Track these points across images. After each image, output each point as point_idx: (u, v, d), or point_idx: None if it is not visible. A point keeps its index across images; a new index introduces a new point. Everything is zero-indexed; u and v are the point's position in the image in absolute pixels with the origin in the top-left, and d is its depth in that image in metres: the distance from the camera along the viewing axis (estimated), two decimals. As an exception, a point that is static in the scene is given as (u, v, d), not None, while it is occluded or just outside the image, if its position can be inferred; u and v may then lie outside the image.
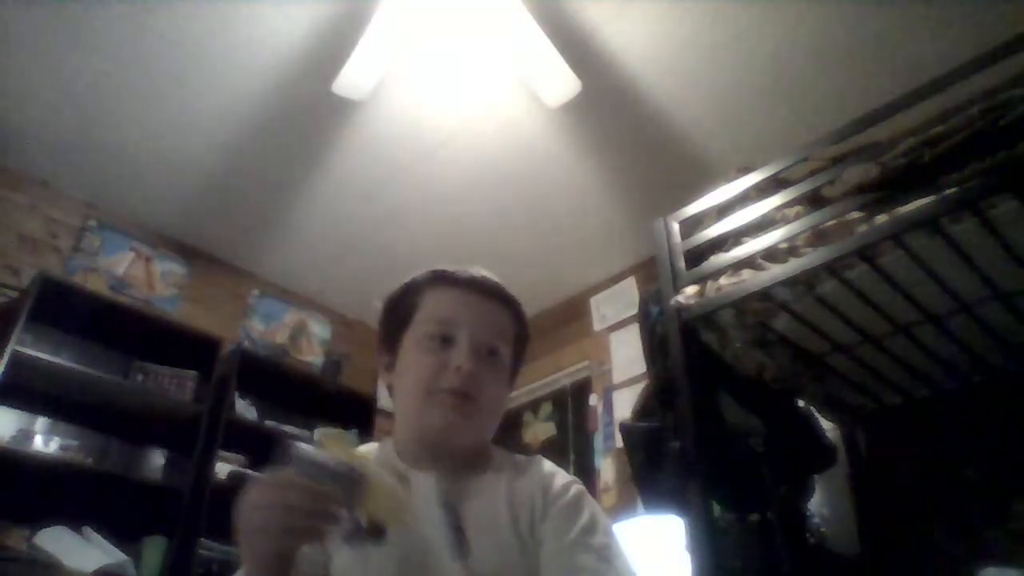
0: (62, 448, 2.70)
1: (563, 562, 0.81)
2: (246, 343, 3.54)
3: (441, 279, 0.93)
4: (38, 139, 2.97)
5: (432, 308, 0.91)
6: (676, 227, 1.66)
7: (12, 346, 2.52)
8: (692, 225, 1.67)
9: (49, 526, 2.50)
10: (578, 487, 0.90)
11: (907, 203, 1.24)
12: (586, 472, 3.25)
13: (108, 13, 2.40)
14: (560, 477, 0.91)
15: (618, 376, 3.34)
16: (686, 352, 1.50)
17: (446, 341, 0.87)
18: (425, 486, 0.85)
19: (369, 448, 0.96)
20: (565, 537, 0.82)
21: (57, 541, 2.46)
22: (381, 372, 0.97)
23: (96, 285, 3.14)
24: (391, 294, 0.97)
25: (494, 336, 0.90)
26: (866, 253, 1.28)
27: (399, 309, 0.94)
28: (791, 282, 1.37)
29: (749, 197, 1.55)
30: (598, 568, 0.80)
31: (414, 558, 0.78)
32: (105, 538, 2.60)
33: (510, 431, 3.70)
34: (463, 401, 0.85)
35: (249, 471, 2.99)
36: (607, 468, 3.19)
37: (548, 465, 0.94)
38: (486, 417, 0.90)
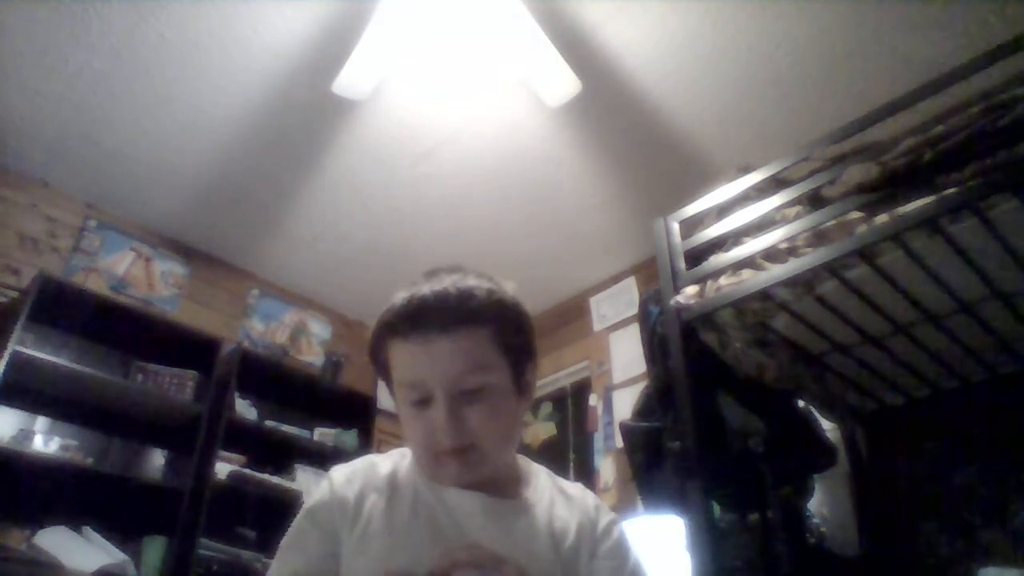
0: (62, 448, 2.69)
1: None
2: (246, 343, 3.54)
3: (393, 333, 0.84)
4: (38, 139, 2.97)
5: (400, 369, 0.85)
6: (676, 227, 1.67)
7: (12, 346, 2.51)
8: (692, 225, 1.67)
9: (49, 526, 2.50)
10: (621, 524, 0.92)
11: (907, 203, 1.24)
12: (586, 472, 3.25)
13: (108, 13, 2.40)
14: (606, 512, 0.93)
15: (618, 376, 3.34)
16: (686, 352, 1.51)
17: (424, 401, 0.83)
18: (468, 503, 0.85)
19: (391, 457, 0.94)
20: None
21: (57, 541, 2.45)
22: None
23: (96, 285, 3.14)
24: (368, 341, 0.90)
25: (471, 372, 0.82)
26: (866, 253, 1.28)
27: (378, 362, 0.89)
28: (791, 282, 1.37)
29: (749, 197, 1.56)
30: None
31: None
32: (105, 538, 2.60)
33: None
34: (464, 455, 0.83)
35: (249, 471, 3.00)
36: (607, 468, 3.18)
37: (593, 497, 0.95)
38: (495, 453, 0.86)
